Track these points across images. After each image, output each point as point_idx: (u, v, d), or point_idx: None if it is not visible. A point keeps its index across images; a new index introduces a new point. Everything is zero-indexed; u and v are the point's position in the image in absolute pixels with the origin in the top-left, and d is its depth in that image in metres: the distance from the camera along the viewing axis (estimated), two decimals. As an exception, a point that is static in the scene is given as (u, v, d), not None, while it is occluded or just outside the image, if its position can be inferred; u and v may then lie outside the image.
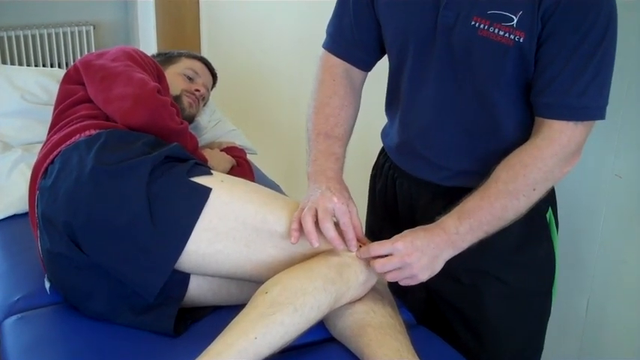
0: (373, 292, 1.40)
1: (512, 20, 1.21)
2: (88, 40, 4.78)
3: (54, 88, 1.98)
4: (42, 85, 2.19)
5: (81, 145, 1.50)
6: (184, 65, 2.07)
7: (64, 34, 4.72)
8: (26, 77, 2.20)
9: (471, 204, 1.29)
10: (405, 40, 1.37)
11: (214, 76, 2.19)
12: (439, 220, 1.31)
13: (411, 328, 1.44)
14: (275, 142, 3.10)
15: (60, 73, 2.16)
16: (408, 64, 1.39)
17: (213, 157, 1.90)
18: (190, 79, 2.06)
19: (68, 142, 1.54)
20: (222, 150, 2.02)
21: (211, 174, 1.47)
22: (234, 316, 1.26)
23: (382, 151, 1.62)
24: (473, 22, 1.25)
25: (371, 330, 1.33)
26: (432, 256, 1.28)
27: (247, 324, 1.22)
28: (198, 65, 2.11)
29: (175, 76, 2.01)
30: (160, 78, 1.84)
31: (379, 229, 1.59)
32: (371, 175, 1.67)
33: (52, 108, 1.79)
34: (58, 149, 1.53)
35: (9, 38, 4.58)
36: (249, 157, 2.13)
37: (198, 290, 1.47)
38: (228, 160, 1.96)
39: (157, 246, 1.36)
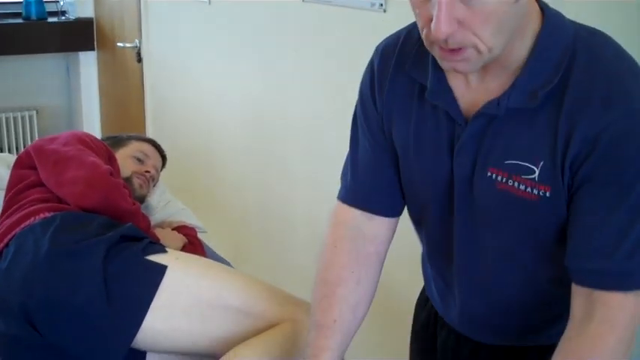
0: None
1: (534, 172, 1.00)
2: (30, 125, 4.77)
3: (4, 173, 1.99)
4: (-9, 170, 2.20)
5: (36, 228, 1.52)
6: (134, 148, 2.12)
7: (7, 119, 4.71)
8: (-26, 163, 2.20)
9: None
10: (425, 191, 1.15)
11: (164, 157, 2.24)
12: None
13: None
14: (224, 220, 3.14)
15: (8, 157, 2.18)
16: (430, 222, 1.18)
17: (165, 236, 1.93)
18: (140, 160, 2.10)
19: (23, 225, 1.56)
20: (173, 229, 2.05)
21: (166, 252, 1.50)
22: (193, 391, 1.28)
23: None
24: (489, 174, 1.03)
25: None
26: None
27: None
28: (147, 147, 2.16)
29: (126, 159, 2.05)
30: (111, 160, 1.88)
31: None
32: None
33: (2, 193, 1.80)
34: (13, 232, 1.55)
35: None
36: (199, 235, 2.17)
37: (154, 367, 1.48)
38: (179, 239, 1.99)
39: (113, 325, 1.38)
